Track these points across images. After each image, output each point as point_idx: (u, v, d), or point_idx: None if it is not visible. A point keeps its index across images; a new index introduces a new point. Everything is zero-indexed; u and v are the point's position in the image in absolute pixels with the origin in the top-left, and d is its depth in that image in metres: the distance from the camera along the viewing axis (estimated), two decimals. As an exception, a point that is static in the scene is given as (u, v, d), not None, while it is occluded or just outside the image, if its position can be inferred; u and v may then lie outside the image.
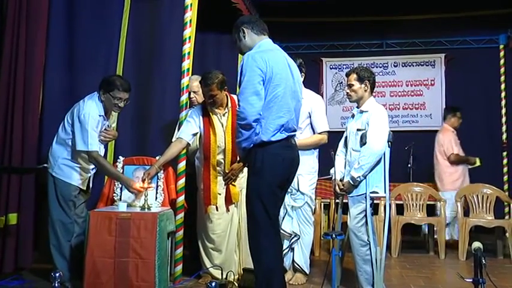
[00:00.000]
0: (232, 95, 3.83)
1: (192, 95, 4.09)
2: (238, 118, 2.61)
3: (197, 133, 3.76)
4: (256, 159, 2.63)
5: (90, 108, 3.40)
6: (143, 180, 3.53)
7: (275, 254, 2.66)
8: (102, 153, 3.56)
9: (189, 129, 3.72)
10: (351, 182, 3.35)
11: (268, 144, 2.63)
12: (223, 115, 3.75)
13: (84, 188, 3.60)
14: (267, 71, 2.62)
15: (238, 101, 2.65)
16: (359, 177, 3.29)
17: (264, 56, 2.65)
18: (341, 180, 3.50)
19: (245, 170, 3.65)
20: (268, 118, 2.62)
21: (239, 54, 5.57)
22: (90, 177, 3.65)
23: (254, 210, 2.63)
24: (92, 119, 3.37)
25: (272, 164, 2.64)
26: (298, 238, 3.83)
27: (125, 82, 3.50)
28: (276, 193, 2.70)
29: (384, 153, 3.33)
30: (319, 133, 3.86)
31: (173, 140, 3.86)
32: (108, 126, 3.59)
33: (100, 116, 3.45)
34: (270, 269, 2.60)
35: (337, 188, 3.50)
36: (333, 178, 3.55)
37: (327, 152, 3.72)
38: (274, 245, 2.66)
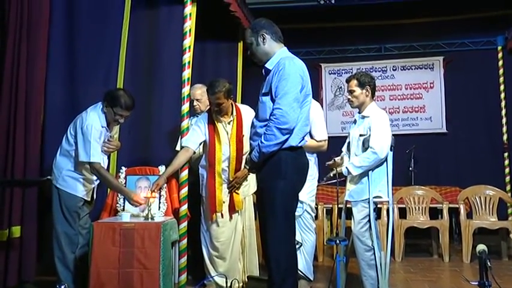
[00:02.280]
0: (237, 104, 3.85)
1: (195, 102, 4.14)
2: (277, 121, 2.54)
3: (203, 141, 3.77)
4: (282, 163, 2.61)
5: (93, 119, 3.40)
6: (152, 191, 3.54)
7: (294, 256, 2.71)
8: (105, 164, 3.56)
9: (195, 137, 3.73)
10: (343, 171, 3.44)
11: (295, 150, 2.65)
12: (228, 123, 3.76)
13: (89, 199, 3.59)
14: (303, 79, 2.65)
15: (276, 104, 2.56)
16: (350, 173, 3.41)
17: (302, 65, 2.69)
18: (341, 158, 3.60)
19: (249, 178, 3.66)
20: (298, 125, 2.63)
21: (238, 63, 5.65)
22: (94, 188, 3.64)
23: (277, 213, 2.59)
24: (94, 130, 3.38)
25: (296, 168, 2.66)
26: (300, 246, 3.81)
27: (129, 100, 3.47)
28: (297, 197, 2.73)
29: (387, 158, 3.34)
30: (318, 141, 3.84)
31: (177, 148, 3.87)
32: (110, 137, 3.60)
33: (103, 127, 3.46)
34: (291, 271, 2.63)
35: (332, 161, 3.59)
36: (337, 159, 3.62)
37: (328, 157, 3.73)
38: (293, 247, 2.72)
